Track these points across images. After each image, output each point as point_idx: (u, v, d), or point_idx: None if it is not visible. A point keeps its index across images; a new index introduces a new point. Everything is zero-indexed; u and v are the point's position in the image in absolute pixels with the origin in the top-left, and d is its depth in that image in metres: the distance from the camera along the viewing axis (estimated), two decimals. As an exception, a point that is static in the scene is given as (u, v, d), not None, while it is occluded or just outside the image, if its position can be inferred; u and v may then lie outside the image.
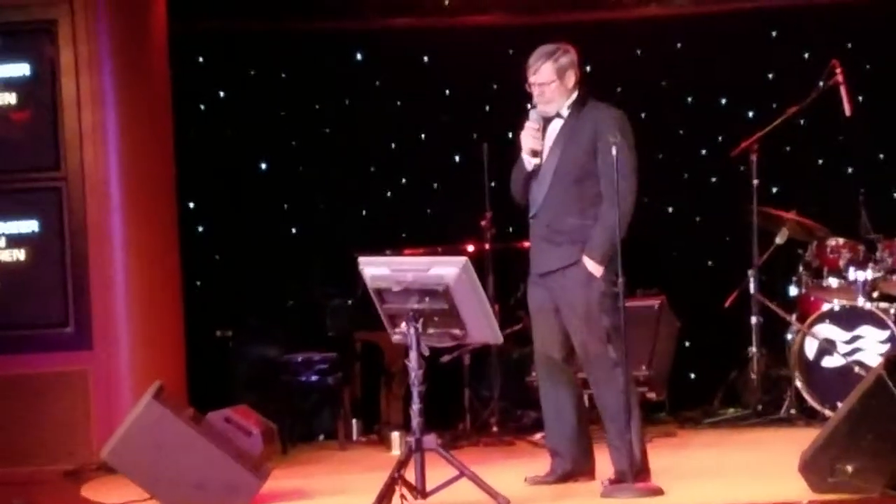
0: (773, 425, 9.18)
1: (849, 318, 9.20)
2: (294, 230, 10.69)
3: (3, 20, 9.08)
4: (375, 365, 9.68)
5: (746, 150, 9.54)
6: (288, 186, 10.61)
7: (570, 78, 7.20)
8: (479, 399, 9.49)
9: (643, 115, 10.24)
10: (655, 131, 10.21)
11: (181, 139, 9.48)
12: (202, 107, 10.46)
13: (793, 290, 9.59)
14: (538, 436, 8.52)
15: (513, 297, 9.16)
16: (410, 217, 10.59)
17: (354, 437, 9.57)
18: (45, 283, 9.06)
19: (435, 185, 10.79)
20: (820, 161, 10.62)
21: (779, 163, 10.03)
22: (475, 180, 9.29)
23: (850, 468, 6.37)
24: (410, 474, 6.59)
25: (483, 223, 9.35)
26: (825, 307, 9.27)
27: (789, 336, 9.46)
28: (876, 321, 9.13)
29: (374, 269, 6.71)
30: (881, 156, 10.55)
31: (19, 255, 9.09)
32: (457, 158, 10.68)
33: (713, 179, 10.66)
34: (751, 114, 10.47)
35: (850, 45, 10.20)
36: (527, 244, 7.45)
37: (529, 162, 7.20)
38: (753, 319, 9.48)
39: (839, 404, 7.53)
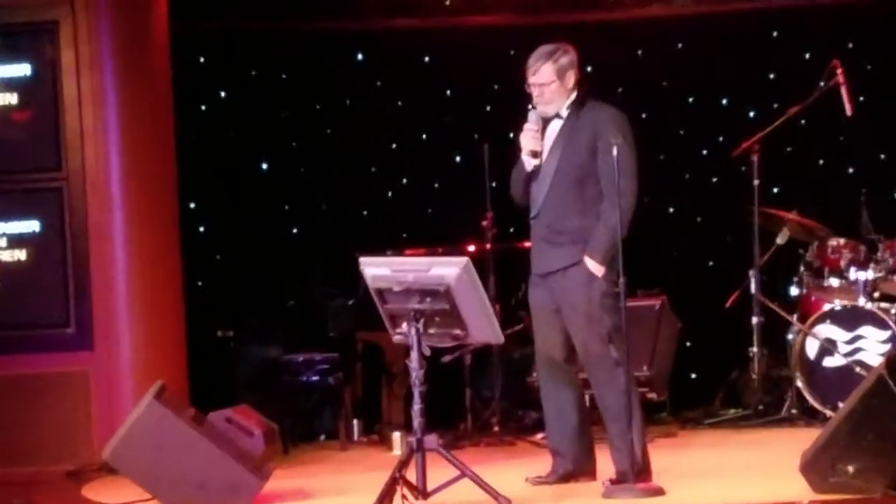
0: (774, 425, 9.18)
1: (850, 319, 9.19)
2: (295, 230, 10.69)
3: (4, 21, 9.09)
4: (376, 365, 9.68)
5: (747, 150, 9.54)
6: (289, 186, 10.62)
7: (570, 78, 7.20)
8: (481, 399, 9.49)
9: (644, 115, 10.26)
10: (657, 131, 10.23)
11: (182, 139, 9.48)
12: (203, 107, 10.46)
13: (794, 291, 9.59)
14: (539, 436, 8.52)
15: (514, 297, 9.17)
16: (411, 217, 10.59)
17: (355, 437, 9.57)
18: (46, 283, 9.07)
19: (436, 185, 10.79)
20: (821, 161, 10.63)
21: (780, 163, 10.03)
22: (476, 180, 9.29)
23: (851, 468, 6.37)
24: (412, 474, 6.59)
25: (484, 223, 9.35)
26: (826, 307, 9.27)
27: (790, 336, 9.46)
28: (877, 321, 9.13)
29: (375, 269, 6.71)
30: (882, 156, 10.55)
31: (20, 255, 9.10)
32: (458, 159, 10.68)
33: (714, 179, 10.66)
34: (752, 114, 10.48)
35: (851, 46, 10.21)
36: (528, 244, 7.45)
37: (529, 163, 7.20)
38: (754, 319, 9.48)
39: (840, 404, 7.54)
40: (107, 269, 9.00)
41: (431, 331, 6.63)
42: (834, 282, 9.39)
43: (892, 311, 9.17)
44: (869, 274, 9.27)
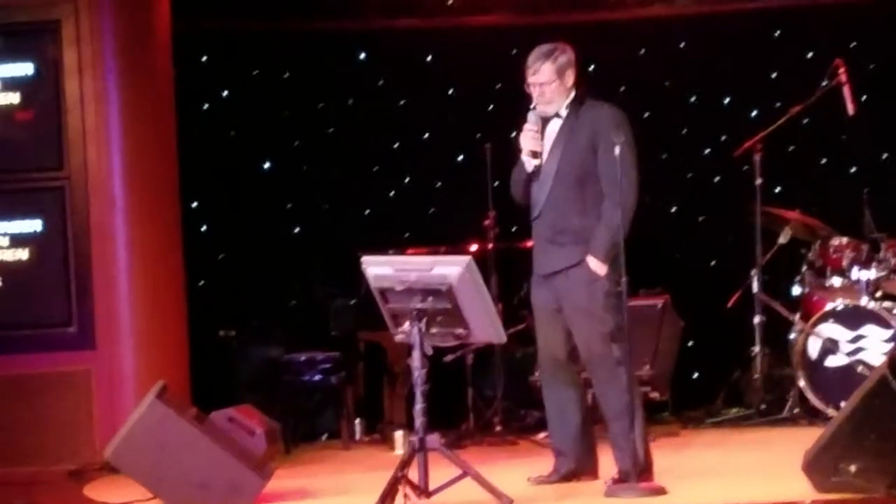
0: (776, 425, 9.18)
1: (852, 318, 9.19)
2: (297, 230, 10.69)
3: (6, 20, 9.09)
4: (378, 364, 9.68)
5: (750, 149, 9.54)
6: (291, 186, 10.62)
7: (569, 77, 7.20)
8: (483, 398, 9.49)
9: (646, 114, 10.27)
10: (659, 131, 10.23)
11: (184, 139, 9.48)
12: (205, 106, 10.46)
13: (796, 290, 9.58)
14: (541, 435, 8.52)
15: (516, 296, 9.16)
16: (414, 217, 10.59)
17: (357, 436, 9.56)
18: (48, 282, 9.07)
19: (438, 184, 10.79)
20: (823, 160, 10.62)
21: (782, 162, 10.03)
22: (478, 180, 9.29)
23: (853, 468, 6.37)
24: (414, 474, 6.59)
25: (486, 223, 9.35)
26: (828, 306, 9.26)
27: (792, 335, 9.45)
28: (879, 320, 9.12)
29: (378, 268, 6.71)
30: (884, 155, 10.55)
31: (22, 254, 9.10)
32: (460, 158, 10.68)
33: (716, 179, 10.66)
34: (754, 113, 10.48)
35: (853, 45, 10.21)
36: (530, 244, 7.45)
37: (529, 163, 7.20)
38: (756, 319, 9.48)
39: (842, 404, 7.54)
40: (109, 268, 9.01)
41: (433, 330, 6.63)
42: (836, 281, 9.39)
43: (895, 311, 9.16)
44: (871, 273, 9.26)
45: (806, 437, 7.02)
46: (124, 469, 7.21)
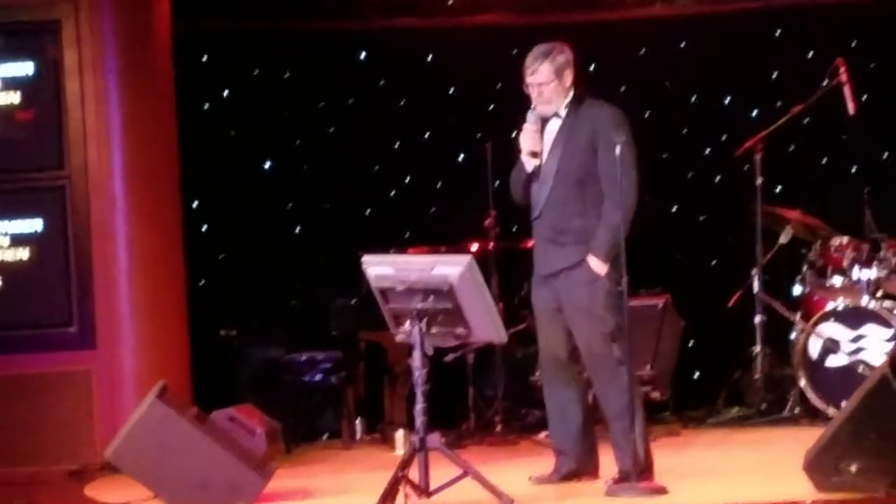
0: (776, 425, 9.18)
1: (853, 318, 9.18)
2: (297, 229, 10.69)
3: (7, 20, 9.09)
4: (379, 364, 9.68)
5: (750, 149, 9.53)
6: (291, 186, 10.61)
7: (568, 77, 7.20)
8: (483, 398, 9.48)
9: (647, 114, 10.28)
10: (659, 131, 10.23)
11: (185, 138, 9.48)
12: (206, 106, 10.46)
13: (797, 290, 9.57)
14: (542, 435, 8.52)
15: (517, 296, 9.16)
16: (414, 216, 10.59)
17: (358, 436, 9.56)
18: (48, 282, 9.07)
19: (439, 184, 10.79)
20: (824, 160, 10.62)
21: (783, 162, 10.02)
22: (479, 179, 9.29)
23: (854, 467, 6.37)
24: (414, 473, 6.59)
25: (487, 222, 9.35)
26: (829, 306, 9.26)
27: (793, 335, 9.44)
28: (880, 320, 9.11)
29: (378, 268, 6.71)
30: (885, 155, 10.55)
31: (23, 254, 9.10)
32: (461, 158, 10.68)
33: (717, 179, 10.65)
34: (754, 113, 10.47)
35: (854, 45, 10.20)
36: (530, 243, 7.45)
37: (529, 163, 7.20)
38: (757, 319, 9.47)
39: (843, 403, 7.54)
40: (109, 268, 9.01)
41: (434, 330, 6.63)
42: (837, 281, 9.38)
43: (895, 311, 9.16)
44: (872, 273, 9.25)
45: (807, 437, 7.02)
46: (125, 469, 7.21)
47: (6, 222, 9.10)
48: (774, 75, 10.59)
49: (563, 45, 7.23)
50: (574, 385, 7.29)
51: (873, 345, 9.11)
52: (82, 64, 9.02)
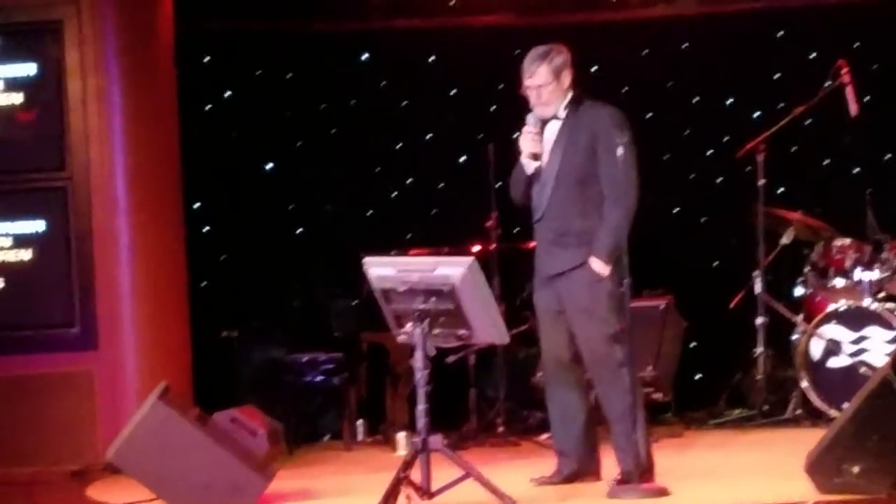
0: (778, 426, 9.17)
1: (855, 319, 9.18)
2: (299, 230, 10.69)
3: (9, 20, 9.09)
4: (381, 365, 9.68)
5: (752, 150, 9.52)
6: (293, 187, 10.62)
7: (566, 78, 7.19)
8: (485, 399, 9.48)
9: (649, 115, 10.28)
10: (661, 132, 10.24)
11: (186, 139, 9.48)
12: (208, 107, 10.46)
13: (799, 291, 9.57)
14: (544, 436, 8.51)
15: (519, 297, 9.15)
16: (416, 217, 10.59)
17: (360, 437, 9.56)
18: (50, 283, 9.07)
19: (440, 185, 10.79)
20: (826, 161, 10.62)
21: (785, 163, 10.02)
22: (481, 180, 9.29)
23: (856, 469, 6.37)
24: (416, 475, 6.59)
25: (489, 223, 9.35)
26: (831, 308, 9.25)
27: (795, 336, 9.44)
28: (882, 322, 9.11)
29: (380, 269, 6.71)
30: (887, 156, 10.55)
31: (25, 255, 9.10)
32: (462, 158, 10.68)
33: (719, 180, 10.65)
34: (757, 114, 10.47)
35: (856, 46, 10.20)
36: (532, 244, 7.45)
37: (530, 165, 7.20)
38: (759, 320, 9.47)
39: (845, 405, 7.53)
40: (111, 268, 9.01)
41: (436, 331, 6.62)
42: (839, 282, 9.38)
43: (897, 312, 9.17)
44: (874, 274, 9.25)
45: (808, 439, 7.01)
46: (126, 470, 7.20)
47: (8, 223, 9.11)
48: (776, 76, 10.59)
49: (560, 47, 7.23)
50: (576, 386, 7.28)
51: (875, 346, 9.11)
52: (84, 65, 9.02)
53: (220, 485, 6.95)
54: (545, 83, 7.14)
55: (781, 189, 10.22)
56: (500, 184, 8.95)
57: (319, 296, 9.80)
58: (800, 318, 9.44)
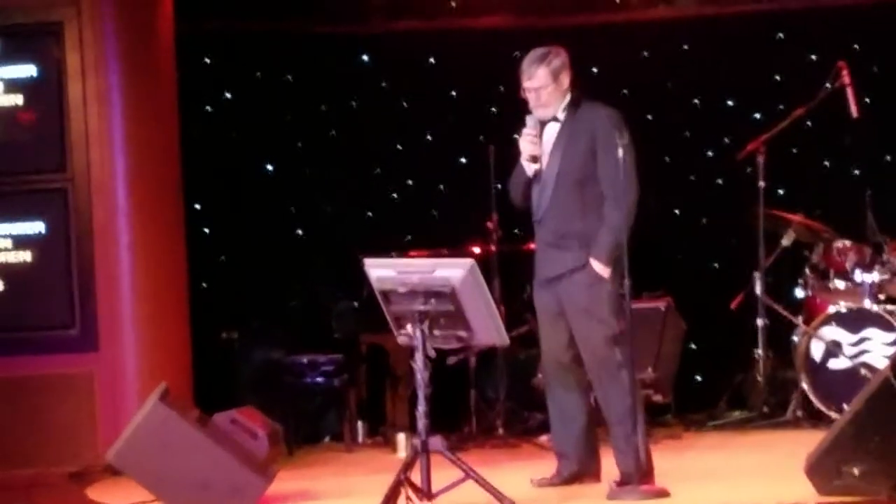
0: (779, 427, 9.17)
1: (855, 321, 9.18)
2: (299, 232, 10.69)
3: (9, 22, 9.09)
4: (381, 367, 9.67)
5: (753, 151, 9.52)
6: (293, 188, 10.61)
7: (564, 80, 7.20)
8: (485, 401, 9.48)
9: (649, 116, 10.28)
10: (661, 133, 10.24)
11: (187, 140, 9.48)
12: (208, 108, 10.46)
13: (799, 293, 9.57)
14: (544, 437, 8.51)
15: (519, 298, 9.16)
16: (416, 219, 10.59)
17: (360, 438, 9.56)
18: (50, 284, 9.07)
19: (441, 186, 10.79)
20: (826, 163, 10.62)
21: (785, 165, 10.02)
22: (481, 182, 9.29)
23: (856, 470, 6.37)
24: (416, 476, 6.59)
25: (489, 225, 9.35)
26: (831, 309, 9.25)
27: (795, 338, 9.44)
28: (882, 323, 9.11)
29: (380, 270, 6.71)
30: (887, 157, 10.54)
31: (25, 256, 9.10)
32: (463, 160, 10.68)
33: (719, 181, 10.65)
34: (757, 116, 10.46)
35: (856, 47, 10.20)
36: (532, 246, 7.46)
37: (529, 168, 7.21)
38: (759, 321, 9.46)
39: (845, 406, 7.54)
40: (111, 270, 9.01)
41: (436, 332, 6.62)
42: (839, 284, 9.39)
43: (898, 314, 9.17)
44: (874, 276, 9.25)
45: (809, 440, 7.02)
46: (127, 471, 7.21)
47: (8, 224, 9.10)
48: (777, 78, 10.59)
49: (558, 49, 7.23)
50: (576, 388, 7.28)
51: (875, 348, 9.11)
52: (84, 66, 9.02)
53: (220, 486, 6.96)
54: (544, 85, 7.15)
55: (782, 191, 10.23)
56: (499, 185, 8.96)
57: (320, 297, 9.80)
58: (800, 319, 9.43)
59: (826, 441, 6.54)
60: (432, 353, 6.64)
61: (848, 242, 9.41)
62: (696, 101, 10.74)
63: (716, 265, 10.64)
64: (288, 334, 9.88)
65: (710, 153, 10.69)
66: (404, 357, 8.19)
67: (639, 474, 6.90)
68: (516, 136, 7.27)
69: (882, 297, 9.28)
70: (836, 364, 9.19)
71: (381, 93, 10.68)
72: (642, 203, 7.15)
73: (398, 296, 6.62)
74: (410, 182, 10.81)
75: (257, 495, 7.06)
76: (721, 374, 10.06)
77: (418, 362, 6.58)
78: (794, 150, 10.27)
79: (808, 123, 9.88)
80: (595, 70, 10.24)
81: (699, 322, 9.83)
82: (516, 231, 9.16)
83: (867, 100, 9.76)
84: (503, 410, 9.29)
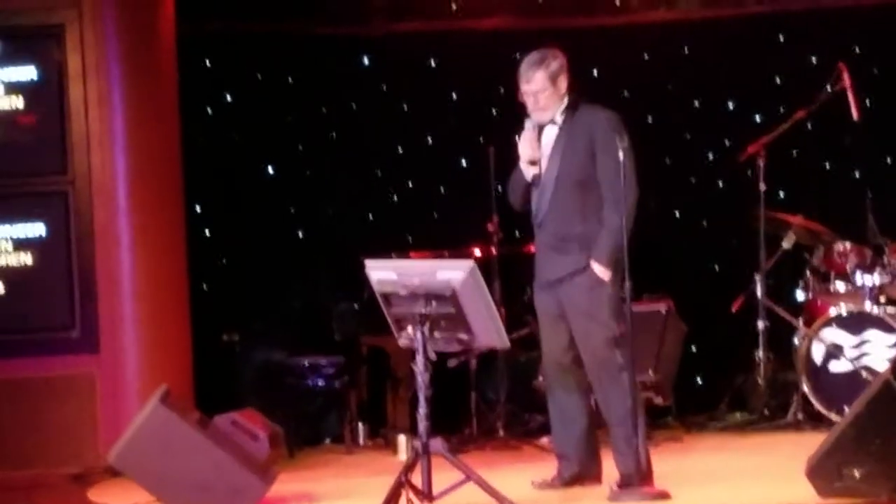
0: (779, 430, 9.17)
1: (856, 323, 9.18)
2: (300, 234, 10.68)
3: (10, 24, 9.09)
4: (382, 369, 9.67)
5: (753, 154, 9.52)
6: (294, 190, 10.61)
7: (562, 83, 7.20)
8: (486, 403, 9.48)
9: (650, 119, 10.27)
10: (662, 136, 10.24)
11: (188, 143, 9.48)
12: (209, 110, 10.46)
13: (800, 295, 9.57)
14: (545, 439, 8.51)
15: (519, 301, 9.16)
16: (417, 221, 10.58)
17: (361, 440, 9.55)
18: (51, 286, 9.07)
19: (441, 188, 10.78)
20: (827, 165, 10.61)
21: (786, 167, 10.02)
22: (482, 184, 9.29)
23: (857, 473, 6.37)
24: (417, 478, 6.59)
25: (490, 227, 9.35)
26: (832, 312, 9.26)
27: (796, 340, 9.44)
28: (883, 326, 9.12)
29: (381, 272, 6.71)
30: (888, 160, 10.54)
31: (26, 258, 9.10)
32: (463, 162, 10.67)
33: (720, 183, 10.64)
34: (758, 118, 10.46)
35: (857, 49, 10.20)
36: (533, 248, 7.46)
37: (528, 171, 7.21)
38: (760, 324, 9.46)
39: (846, 409, 7.53)
40: (112, 272, 9.01)
41: (437, 335, 6.62)
42: (840, 286, 9.39)
43: (898, 316, 9.17)
44: (875, 278, 9.25)
45: (809, 443, 7.03)
46: (127, 473, 7.21)
47: (9, 227, 9.11)
48: (778, 80, 10.59)
49: (556, 52, 7.23)
50: (577, 390, 7.29)
51: (876, 350, 9.12)
52: (85, 68, 9.02)
53: (220, 488, 6.96)
54: (542, 88, 7.15)
55: (782, 193, 10.22)
56: (500, 187, 8.95)
57: (320, 299, 9.80)
58: (801, 322, 9.43)
59: (827, 443, 6.54)
60: (433, 356, 6.64)
61: (849, 245, 9.41)
62: (696, 103, 10.74)
63: (716, 267, 10.63)
64: (289, 336, 9.88)
65: (710, 155, 10.68)
66: (405, 359, 8.21)
67: (639, 476, 6.90)
68: (517, 137, 7.28)
69: (883, 299, 9.27)
70: (836, 366, 9.19)
71: (382, 94, 10.68)
72: (642, 205, 7.16)
73: (399, 298, 6.62)
74: (411, 184, 10.80)
75: (258, 497, 7.06)
76: (722, 377, 10.06)
77: (419, 364, 6.58)
78: (795, 153, 10.27)
79: (809, 125, 9.87)
80: (596, 72, 10.24)
81: (700, 324, 9.82)
82: (517, 233, 9.16)
83: (868, 102, 9.76)
84: (504, 412, 9.29)
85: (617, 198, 6.98)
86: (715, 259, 10.62)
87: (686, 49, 10.64)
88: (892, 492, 6.32)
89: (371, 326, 8.69)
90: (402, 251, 9.45)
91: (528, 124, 7.19)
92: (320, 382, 9.48)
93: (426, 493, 6.57)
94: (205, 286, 10.07)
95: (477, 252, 9.32)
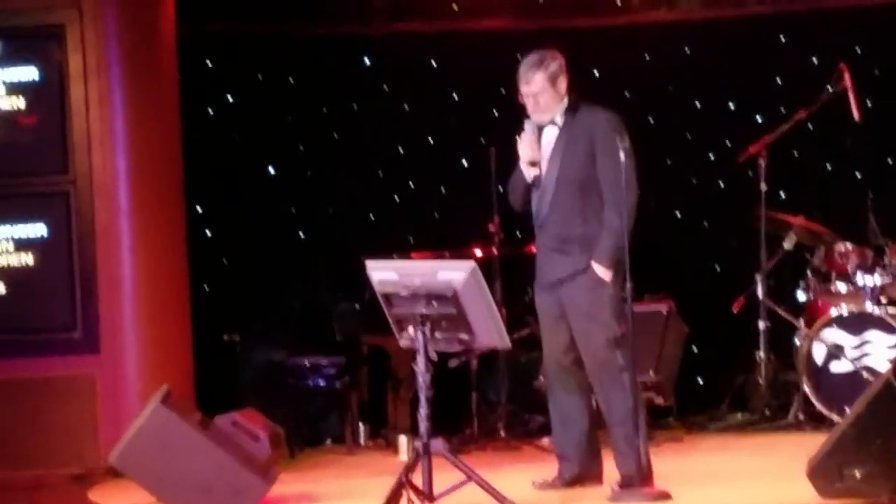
0: (780, 430, 9.17)
1: (857, 324, 9.18)
2: (301, 234, 10.69)
3: (11, 24, 9.09)
4: (383, 369, 9.67)
5: (754, 154, 9.52)
6: (295, 190, 10.61)
7: (562, 84, 7.20)
8: (487, 403, 9.48)
9: (651, 119, 10.26)
10: (663, 136, 10.23)
11: (189, 142, 9.48)
12: (210, 110, 10.46)
13: (801, 295, 9.57)
14: (546, 440, 8.52)
15: (520, 301, 9.16)
16: (418, 221, 10.59)
17: (362, 441, 9.55)
18: (52, 286, 9.07)
19: (442, 189, 10.79)
20: (828, 166, 10.61)
21: (787, 168, 10.01)
22: (483, 185, 9.29)
23: (858, 473, 6.37)
24: (418, 479, 6.59)
25: (491, 228, 9.35)
26: (833, 312, 9.25)
27: (797, 341, 9.44)
28: (884, 326, 9.12)
29: (382, 273, 6.71)
30: (889, 160, 10.54)
31: (27, 258, 9.10)
32: (464, 163, 10.67)
33: (721, 184, 10.64)
34: (759, 118, 10.46)
35: (858, 50, 10.20)
36: (534, 248, 7.46)
37: (529, 173, 7.21)
38: (761, 324, 9.46)
39: (847, 409, 7.53)
40: (113, 272, 9.01)
41: (438, 335, 6.62)
42: (841, 287, 9.39)
43: (900, 316, 9.17)
44: (876, 279, 9.25)
45: (810, 443, 7.03)
46: (128, 473, 7.21)
47: (10, 227, 9.11)
48: (779, 81, 10.58)
49: (554, 53, 7.23)
50: (578, 390, 7.29)
51: (877, 350, 9.12)
52: (86, 68, 9.02)
53: (221, 488, 6.96)
54: (541, 90, 7.15)
55: (783, 193, 10.22)
56: (501, 188, 8.95)
57: (321, 299, 9.80)
58: (802, 322, 9.43)
59: (828, 444, 6.54)
60: (434, 356, 6.64)
61: (849, 245, 9.41)
62: (697, 103, 10.74)
63: (717, 268, 10.63)
64: (289, 336, 9.88)
65: (711, 156, 10.68)
66: (406, 359, 8.20)
67: (640, 477, 6.90)
68: (517, 137, 7.27)
69: (884, 299, 9.27)
70: (837, 367, 9.19)
71: (383, 95, 10.68)
72: (643, 205, 7.16)
73: (400, 298, 6.62)
74: (412, 184, 10.80)
75: (258, 497, 7.06)
76: (723, 377, 10.06)
77: (420, 365, 6.58)
78: (796, 153, 10.27)
79: (810, 126, 9.88)
80: (596, 72, 10.24)
81: (701, 325, 9.82)
82: (518, 234, 9.16)
83: (869, 102, 9.75)
84: (505, 413, 9.29)
85: (618, 199, 6.98)
86: (716, 259, 10.62)
87: (687, 49, 10.64)
88: (893, 492, 6.32)
89: (372, 327, 8.69)
90: (404, 251, 9.45)
91: (528, 125, 7.19)
92: (321, 383, 9.48)
93: (427, 494, 6.57)
94: (205, 286, 10.07)
95: (478, 252, 9.32)
